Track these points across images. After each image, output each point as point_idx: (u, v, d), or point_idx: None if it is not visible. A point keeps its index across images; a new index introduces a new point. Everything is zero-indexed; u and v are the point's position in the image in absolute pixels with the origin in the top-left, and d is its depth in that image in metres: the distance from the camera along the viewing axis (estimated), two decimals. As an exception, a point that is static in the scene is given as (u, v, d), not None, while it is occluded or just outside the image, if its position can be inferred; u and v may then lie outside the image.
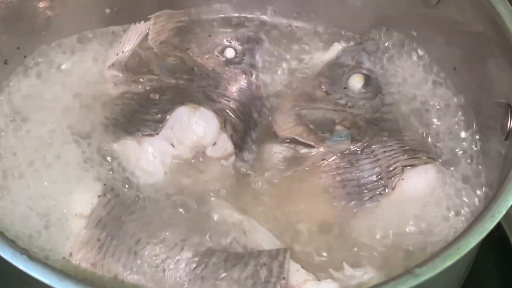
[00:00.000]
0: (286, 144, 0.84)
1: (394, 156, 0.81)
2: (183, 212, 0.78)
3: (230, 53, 0.91)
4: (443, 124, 0.87)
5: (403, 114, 0.87)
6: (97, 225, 0.74)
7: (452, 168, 0.82)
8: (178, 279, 0.71)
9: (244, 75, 0.90)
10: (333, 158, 0.82)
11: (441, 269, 0.61)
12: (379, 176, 0.80)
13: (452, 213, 0.79)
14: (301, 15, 0.99)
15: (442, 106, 0.88)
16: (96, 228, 0.74)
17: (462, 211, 0.79)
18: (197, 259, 0.72)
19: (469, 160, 0.83)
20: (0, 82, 0.86)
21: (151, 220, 0.76)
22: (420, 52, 0.92)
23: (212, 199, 0.80)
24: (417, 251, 0.76)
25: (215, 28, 0.96)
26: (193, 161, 0.82)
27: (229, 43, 0.93)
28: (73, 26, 0.92)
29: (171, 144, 0.81)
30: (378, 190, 0.80)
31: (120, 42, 0.90)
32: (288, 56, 0.95)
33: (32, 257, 0.60)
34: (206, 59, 0.91)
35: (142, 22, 0.91)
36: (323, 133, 0.84)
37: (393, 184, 0.79)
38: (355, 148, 0.82)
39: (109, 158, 0.81)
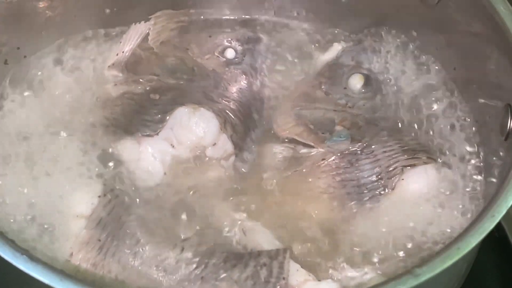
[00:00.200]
0: (286, 144, 0.84)
1: (394, 156, 0.81)
2: (183, 213, 0.78)
3: (230, 54, 0.91)
4: (442, 124, 0.87)
5: (403, 114, 0.87)
6: (97, 226, 0.74)
7: (452, 168, 0.82)
8: (178, 279, 0.71)
9: (244, 76, 0.90)
10: (333, 158, 0.82)
11: (441, 269, 0.61)
12: (379, 176, 0.80)
13: (452, 213, 0.79)
14: (301, 15, 0.99)
15: (442, 106, 0.88)
16: (96, 228, 0.74)
17: (462, 211, 0.79)
18: (197, 259, 0.72)
19: (468, 160, 0.83)
20: (0, 82, 0.86)
21: (151, 221, 0.76)
22: (420, 52, 0.92)
23: (212, 199, 0.80)
24: (417, 251, 0.76)
25: (215, 28, 0.95)
26: (193, 161, 0.82)
27: (229, 44, 0.92)
28: (73, 26, 0.92)
29: (171, 144, 0.81)
30: (378, 190, 0.80)
31: (120, 42, 0.90)
32: (288, 56, 0.95)
33: (32, 257, 0.60)
34: (206, 59, 0.91)
35: (142, 22, 0.91)
36: (323, 133, 0.84)
37: (393, 184, 0.79)
38: (355, 148, 0.82)
39: (109, 159, 0.81)
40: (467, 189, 0.81)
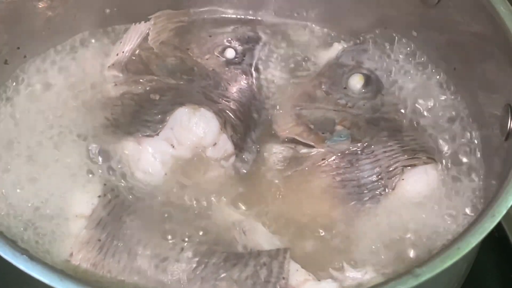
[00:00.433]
0: (286, 144, 0.84)
1: (394, 156, 0.81)
2: (183, 213, 0.78)
3: (230, 54, 0.91)
4: (442, 124, 0.87)
5: (403, 114, 0.87)
6: (97, 226, 0.74)
7: (452, 168, 0.82)
8: (178, 279, 0.71)
9: (244, 76, 0.90)
10: (333, 158, 0.82)
11: (441, 269, 0.61)
12: (379, 176, 0.80)
13: (452, 213, 0.79)
14: (301, 15, 0.99)
15: (442, 106, 0.88)
16: (96, 228, 0.74)
17: (462, 211, 0.79)
18: (197, 259, 0.72)
19: (469, 160, 0.83)
20: (0, 83, 0.86)
21: (151, 221, 0.76)
22: (420, 52, 0.92)
23: (212, 199, 0.80)
24: (417, 251, 0.76)
25: (215, 28, 0.95)
26: (193, 161, 0.82)
27: (229, 44, 0.92)
28: (73, 26, 0.92)
29: (171, 144, 0.81)
30: (378, 190, 0.80)
31: (120, 42, 0.90)
32: (288, 56, 0.95)
33: (32, 257, 0.60)
34: (206, 59, 0.91)
35: (142, 22, 0.91)
36: (323, 133, 0.84)
37: (393, 184, 0.79)
38: (355, 148, 0.82)
39: (109, 159, 0.81)
40: (467, 189, 0.81)
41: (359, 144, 0.82)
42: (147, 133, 0.81)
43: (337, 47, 0.94)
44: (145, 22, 0.91)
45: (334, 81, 0.89)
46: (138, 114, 0.83)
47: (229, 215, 0.78)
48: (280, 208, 0.80)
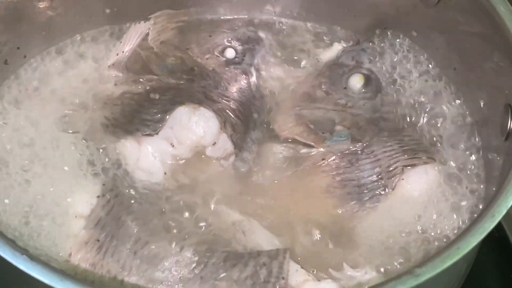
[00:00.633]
0: (286, 144, 0.84)
1: (394, 156, 0.81)
2: (183, 212, 0.78)
3: (230, 53, 0.91)
4: (442, 124, 0.87)
5: (403, 114, 0.87)
6: (96, 226, 0.74)
7: (452, 168, 0.82)
8: (177, 279, 0.71)
9: (244, 75, 0.90)
10: (333, 158, 0.82)
11: (441, 269, 0.61)
12: (379, 176, 0.80)
13: (452, 213, 0.79)
14: (301, 15, 0.99)
15: (442, 106, 0.88)
16: (95, 228, 0.73)
17: (462, 211, 0.79)
18: (196, 259, 0.72)
19: (468, 160, 0.83)
20: (0, 82, 0.86)
21: (150, 220, 0.76)
22: (420, 52, 0.92)
23: (212, 199, 0.80)
24: (417, 251, 0.76)
25: (215, 28, 0.95)
26: (192, 161, 0.82)
27: (229, 43, 0.92)
28: (73, 26, 0.92)
29: (171, 144, 0.81)
30: (378, 190, 0.80)
31: (120, 42, 0.90)
32: (288, 56, 0.94)
33: (32, 257, 0.60)
34: (206, 59, 0.91)
35: (142, 22, 0.91)
36: (323, 133, 0.84)
37: (393, 184, 0.79)
38: (355, 148, 0.82)
39: (108, 158, 0.81)
40: (467, 189, 0.81)
41: (359, 144, 0.82)
42: (147, 132, 0.81)
43: (337, 47, 0.94)
44: (145, 22, 0.91)
45: (334, 81, 0.89)
46: (138, 114, 0.83)
47: (229, 215, 0.78)
48: (280, 208, 0.80)
